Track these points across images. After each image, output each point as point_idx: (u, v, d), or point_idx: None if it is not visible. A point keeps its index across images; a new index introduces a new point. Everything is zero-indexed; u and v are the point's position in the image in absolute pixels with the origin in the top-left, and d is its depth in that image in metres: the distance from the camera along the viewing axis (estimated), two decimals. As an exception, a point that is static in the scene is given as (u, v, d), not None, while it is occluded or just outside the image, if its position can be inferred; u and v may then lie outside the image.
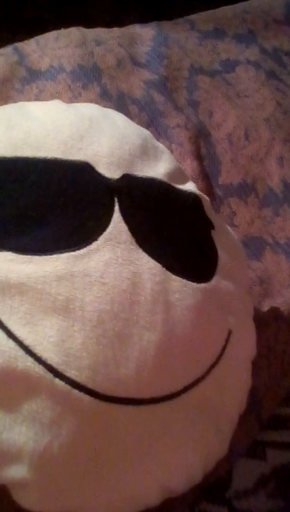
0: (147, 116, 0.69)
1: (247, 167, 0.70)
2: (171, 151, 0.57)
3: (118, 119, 0.50)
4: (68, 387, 0.36)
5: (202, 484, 0.43)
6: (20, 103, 0.49)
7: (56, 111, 0.48)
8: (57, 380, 0.36)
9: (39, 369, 0.36)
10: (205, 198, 0.50)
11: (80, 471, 0.37)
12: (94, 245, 0.40)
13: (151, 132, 0.54)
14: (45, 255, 0.38)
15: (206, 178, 0.67)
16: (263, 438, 0.52)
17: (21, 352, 0.36)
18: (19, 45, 0.69)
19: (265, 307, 0.60)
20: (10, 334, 0.36)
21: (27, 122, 0.45)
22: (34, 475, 0.35)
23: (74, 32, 0.72)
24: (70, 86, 0.67)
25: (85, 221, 0.41)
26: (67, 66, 0.68)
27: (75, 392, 0.36)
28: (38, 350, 0.36)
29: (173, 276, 0.42)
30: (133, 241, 0.42)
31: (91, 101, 0.60)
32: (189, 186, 0.50)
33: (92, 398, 0.36)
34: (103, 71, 0.70)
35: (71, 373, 0.36)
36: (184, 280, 0.43)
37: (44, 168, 0.42)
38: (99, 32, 0.74)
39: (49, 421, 0.35)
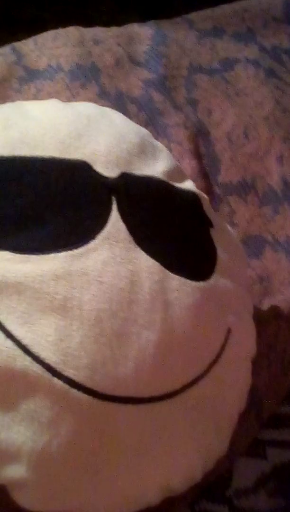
0: (146, 115, 0.69)
1: (247, 166, 0.70)
2: (170, 150, 0.57)
3: (116, 117, 0.50)
4: (66, 386, 0.36)
5: (202, 483, 0.43)
6: (18, 102, 0.49)
7: (54, 110, 0.48)
8: (55, 379, 0.36)
9: (37, 368, 0.36)
10: (204, 196, 0.50)
11: (78, 471, 0.37)
12: (92, 244, 0.40)
13: (150, 131, 0.54)
14: (42, 254, 0.38)
15: (205, 176, 0.67)
16: (264, 437, 0.52)
17: (19, 352, 0.36)
18: (17, 44, 0.69)
19: (265, 306, 0.60)
20: (8, 334, 0.36)
21: (24, 121, 0.45)
22: (33, 475, 0.35)
23: (72, 32, 0.72)
24: (68, 86, 0.67)
25: (83, 220, 0.41)
26: (65, 66, 0.68)
27: (74, 391, 0.36)
28: (36, 349, 0.36)
29: (172, 275, 0.42)
30: (131, 239, 0.42)
31: (89, 100, 0.59)
32: (188, 185, 0.50)
33: (91, 397, 0.36)
34: (102, 71, 0.70)
35: (69, 372, 0.36)
36: (183, 279, 0.43)
37: (42, 167, 0.42)
38: (97, 31, 0.74)
39: (48, 420, 0.35)
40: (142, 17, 0.80)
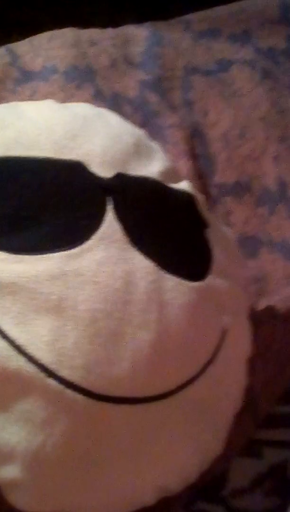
0: (142, 116, 0.69)
1: (242, 166, 0.70)
2: (166, 151, 0.57)
3: (111, 118, 0.50)
4: (61, 386, 0.36)
5: (198, 483, 0.43)
6: (13, 103, 0.49)
7: (49, 110, 0.48)
8: (49, 380, 0.36)
9: (31, 368, 0.36)
10: (199, 196, 0.50)
11: (73, 471, 0.37)
12: (87, 244, 0.40)
13: (146, 132, 0.54)
14: (37, 254, 0.38)
15: (201, 177, 0.67)
16: (260, 437, 0.52)
17: (13, 352, 0.36)
18: (12, 46, 0.69)
19: (261, 306, 0.60)
20: (2, 334, 0.36)
21: (19, 121, 0.45)
22: (27, 475, 0.35)
23: (68, 33, 0.72)
24: (63, 87, 0.67)
25: (78, 221, 0.41)
26: (61, 67, 0.68)
27: (68, 391, 0.36)
28: (31, 349, 0.36)
29: (167, 275, 0.42)
30: (127, 240, 0.42)
31: (85, 101, 0.59)
32: (183, 185, 0.50)
33: (86, 397, 0.36)
34: (97, 72, 0.70)
35: (64, 373, 0.36)
36: (178, 279, 0.43)
37: (37, 167, 0.42)
38: (93, 32, 0.74)
39: (42, 420, 0.35)
40: (139, 19, 0.80)
